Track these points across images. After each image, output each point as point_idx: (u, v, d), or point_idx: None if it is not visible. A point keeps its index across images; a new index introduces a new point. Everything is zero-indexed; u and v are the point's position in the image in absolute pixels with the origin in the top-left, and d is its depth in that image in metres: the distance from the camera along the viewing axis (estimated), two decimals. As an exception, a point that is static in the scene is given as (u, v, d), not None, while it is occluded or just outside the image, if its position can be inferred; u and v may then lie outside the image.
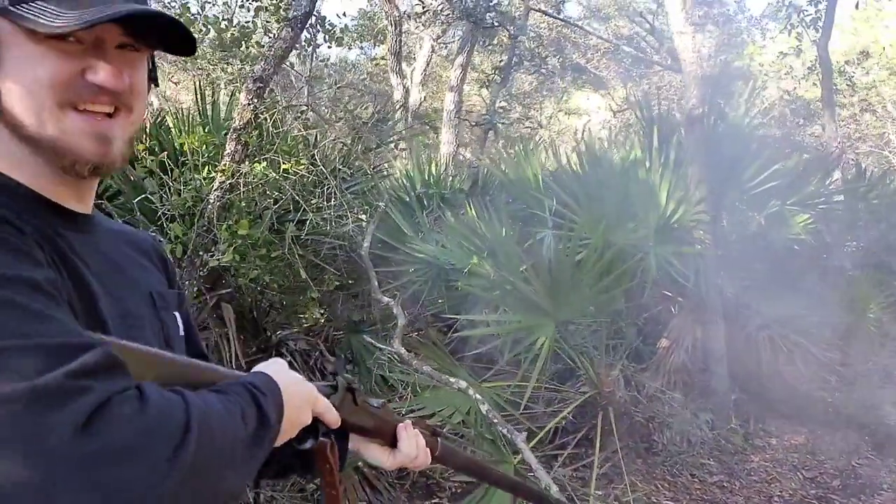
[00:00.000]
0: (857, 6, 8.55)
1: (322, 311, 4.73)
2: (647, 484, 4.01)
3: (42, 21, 0.69)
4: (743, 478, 4.15)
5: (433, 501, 3.59)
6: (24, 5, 0.70)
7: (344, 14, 5.85)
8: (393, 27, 9.38)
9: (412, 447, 1.02)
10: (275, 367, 0.80)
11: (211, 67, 7.64)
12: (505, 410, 3.62)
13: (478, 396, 3.08)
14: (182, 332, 0.95)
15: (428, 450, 1.06)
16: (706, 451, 4.40)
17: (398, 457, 1.01)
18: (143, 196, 3.14)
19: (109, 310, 0.79)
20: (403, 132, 6.36)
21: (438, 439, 1.11)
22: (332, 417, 0.88)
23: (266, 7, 3.84)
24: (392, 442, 1.02)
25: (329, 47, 4.16)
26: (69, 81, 0.72)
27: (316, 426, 0.88)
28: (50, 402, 0.55)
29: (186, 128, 3.88)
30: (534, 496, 1.64)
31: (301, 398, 0.81)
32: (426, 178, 5.41)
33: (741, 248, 5.06)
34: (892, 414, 5.11)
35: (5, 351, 0.56)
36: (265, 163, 3.16)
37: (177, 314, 0.95)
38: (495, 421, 2.99)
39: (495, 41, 9.36)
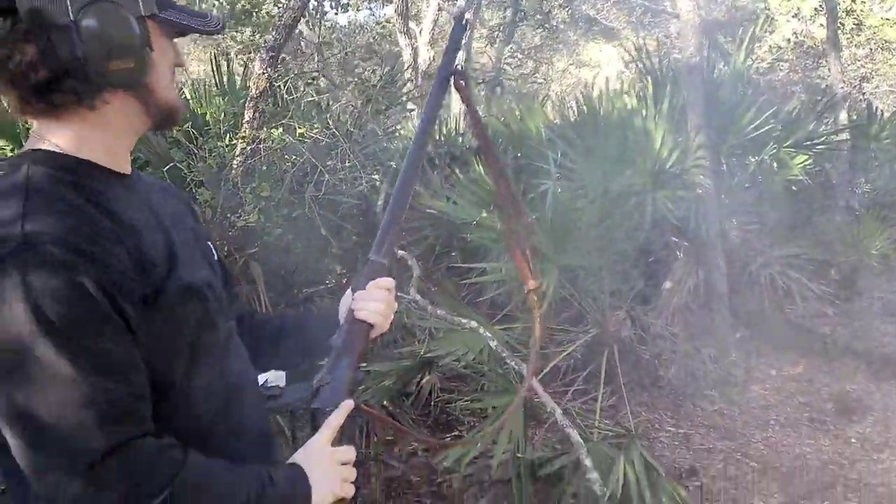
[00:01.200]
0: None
1: (343, 270, 5.03)
2: (651, 413, 4.30)
3: (189, 24, 0.99)
4: (742, 405, 4.42)
5: (453, 434, 3.91)
6: (164, 12, 0.97)
7: (349, -19, 5.98)
8: (398, -12, 9.47)
9: (380, 313, 1.14)
10: (308, 459, 1.00)
11: (220, 37, 7.83)
12: (516, 350, 3.91)
13: (487, 334, 3.36)
14: (216, 258, 1.17)
15: (387, 283, 1.17)
16: (708, 383, 4.66)
17: (379, 330, 1.16)
18: (172, 165, 3.42)
19: (180, 249, 1.00)
20: (412, 92, 6.54)
21: (374, 261, 1.19)
22: (340, 419, 1.04)
23: (274, -21, 4.05)
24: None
25: (336, 13, 4.34)
26: (177, 63, 1.02)
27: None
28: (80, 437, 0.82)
29: (206, 98, 4.14)
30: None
31: (327, 471, 1.01)
32: (437, 137, 5.60)
33: (741, 191, 5.24)
34: (890, 343, 5.33)
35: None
36: (281, 128, 3.41)
37: (209, 244, 1.17)
38: (504, 355, 3.27)
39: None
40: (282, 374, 2.26)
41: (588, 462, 2.99)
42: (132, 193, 1.00)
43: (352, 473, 1.04)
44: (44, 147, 0.93)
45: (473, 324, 3.45)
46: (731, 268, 5.13)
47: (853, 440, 3.99)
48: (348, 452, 1.05)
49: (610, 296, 4.41)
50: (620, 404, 4.12)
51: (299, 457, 1.01)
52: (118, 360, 0.85)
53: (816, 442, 3.99)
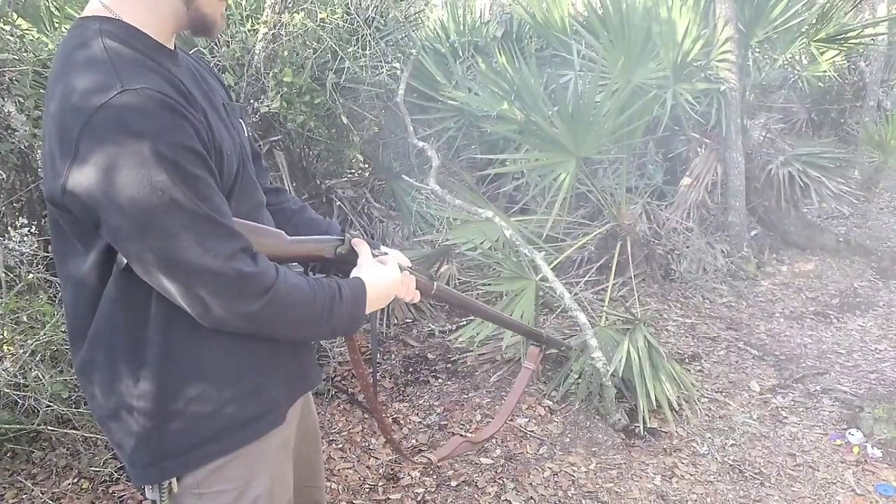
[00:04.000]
0: None
1: (364, 162, 5.10)
2: (661, 304, 4.45)
3: None
4: (750, 299, 4.55)
5: (468, 319, 4.11)
6: None
7: None
8: None
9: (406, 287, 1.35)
10: (374, 273, 1.22)
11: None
12: (532, 242, 4.03)
13: (502, 223, 3.47)
14: (246, 135, 1.26)
15: (418, 291, 1.37)
16: (719, 277, 4.79)
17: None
18: (196, 49, 3.45)
19: (216, 123, 1.10)
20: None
21: (434, 283, 1.40)
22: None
23: None
24: None
25: None
26: None
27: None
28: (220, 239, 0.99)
29: (227, -17, 4.09)
30: (521, 331, 1.97)
31: (385, 291, 1.25)
32: (460, 27, 5.51)
33: (767, 87, 5.14)
34: (902, 243, 5.37)
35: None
36: (303, 13, 3.41)
37: (241, 121, 1.26)
38: (517, 243, 3.40)
39: None
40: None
41: (594, 342, 3.17)
42: (181, 68, 1.10)
43: (408, 289, 1.32)
44: (108, 16, 1.02)
45: (489, 213, 3.56)
46: (750, 165, 5.13)
47: (854, 332, 4.13)
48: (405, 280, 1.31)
49: (627, 191, 4.47)
50: (630, 295, 4.27)
51: (366, 274, 1.21)
52: (218, 192, 1.02)
53: (818, 333, 4.13)
